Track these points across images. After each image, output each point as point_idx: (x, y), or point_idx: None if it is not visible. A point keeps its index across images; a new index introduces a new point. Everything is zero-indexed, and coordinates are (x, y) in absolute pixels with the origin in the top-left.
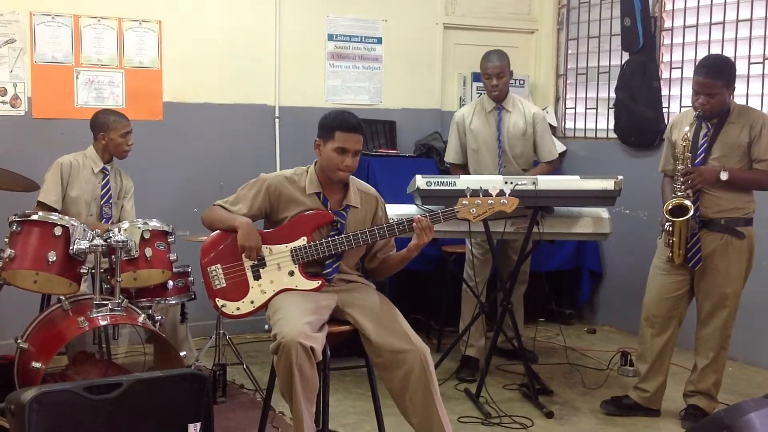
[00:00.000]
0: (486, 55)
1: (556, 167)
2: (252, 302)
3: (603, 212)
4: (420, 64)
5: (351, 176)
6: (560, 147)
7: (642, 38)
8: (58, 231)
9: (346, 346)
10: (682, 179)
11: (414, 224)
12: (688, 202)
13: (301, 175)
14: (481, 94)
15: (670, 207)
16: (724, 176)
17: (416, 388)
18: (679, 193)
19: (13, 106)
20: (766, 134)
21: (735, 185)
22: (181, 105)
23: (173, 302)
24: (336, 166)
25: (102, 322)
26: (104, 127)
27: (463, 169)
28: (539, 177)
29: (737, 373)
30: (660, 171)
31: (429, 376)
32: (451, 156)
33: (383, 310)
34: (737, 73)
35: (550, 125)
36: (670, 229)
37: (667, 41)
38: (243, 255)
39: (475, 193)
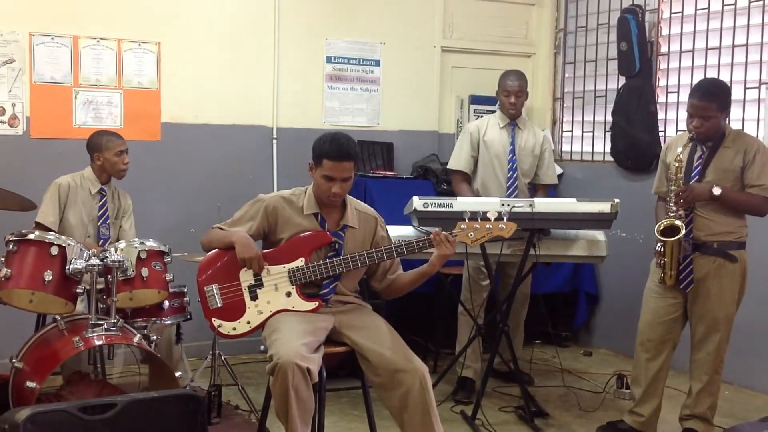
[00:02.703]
0: (506, 74)
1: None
2: (248, 322)
3: (599, 235)
4: (418, 87)
5: (349, 197)
6: (557, 170)
7: (638, 63)
8: (54, 250)
9: (341, 367)
10: (674, 199)
11: (432, 237)
12: (679, 223)
13: (299, 196)
14: (478, 116)
15: (662, 227)
16: (716, 191)
17: (415, 408)
18: (672, 214)
19: (11, 126)
20: (760, 160)
21: (727, 205)
22: (180, 126)
23: (169, 322)
24: (325, 193)
25: (97, 342)
26: (99, 148)
27: (466, 178)
28: (536, 199)
29: (733, 396)
30: (653, 193)
31: (428, 396)
32: (461, 164)
33: (382, 331)
34: (733, 97)
35: None
36: (662, 249)
37: (663, 66)
38: (245, 268)
39: (473, 217)
